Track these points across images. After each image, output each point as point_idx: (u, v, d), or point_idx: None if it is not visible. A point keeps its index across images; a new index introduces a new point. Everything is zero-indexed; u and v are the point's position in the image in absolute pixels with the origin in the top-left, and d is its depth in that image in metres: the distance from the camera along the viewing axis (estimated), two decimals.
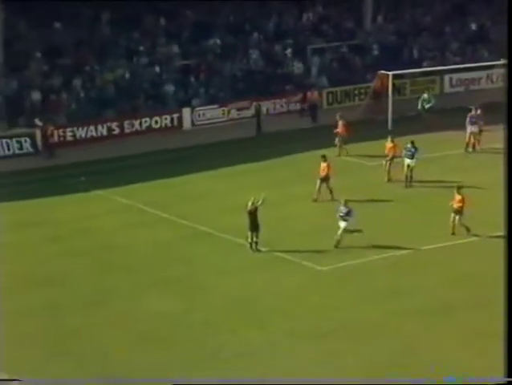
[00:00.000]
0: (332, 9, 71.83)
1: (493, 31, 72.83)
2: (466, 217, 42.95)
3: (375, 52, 68.91)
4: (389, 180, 51.48)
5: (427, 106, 61.14)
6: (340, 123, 55.39)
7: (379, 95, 63.85)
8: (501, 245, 42.06)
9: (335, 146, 54.22)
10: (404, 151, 50.86)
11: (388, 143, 52.25)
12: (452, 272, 40.94)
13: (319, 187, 47.17)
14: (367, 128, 60.16)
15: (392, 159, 51.62)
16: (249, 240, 41.63)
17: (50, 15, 62.25)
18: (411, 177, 50.32)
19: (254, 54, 67.00)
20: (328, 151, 55.64)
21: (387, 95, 61.56)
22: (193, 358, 33.54)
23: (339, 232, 40.05)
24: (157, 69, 64.37)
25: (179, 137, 60.40)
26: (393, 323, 36.27)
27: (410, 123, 59.62)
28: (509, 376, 12.11)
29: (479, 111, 57.17)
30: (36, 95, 59.31)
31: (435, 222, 44.32)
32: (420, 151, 50.73)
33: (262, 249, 41.64)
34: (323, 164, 47.62)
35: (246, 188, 47.39)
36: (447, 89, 68.16)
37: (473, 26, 73.84)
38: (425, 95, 61.95)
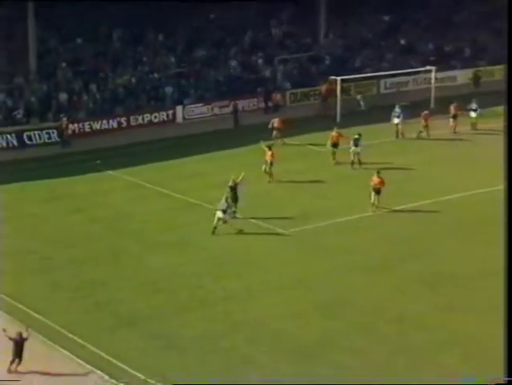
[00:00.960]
0: (294, 27, 71.55)
1: (419, 46, 73.14)
2: (385, 194, 43.00)
3: (327, 62, 68.78)
4: (337, 163, 51.30)
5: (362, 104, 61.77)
6: (277, 119, 55.17)
7: (327, 95, 63.54)
8: (422, 212, 43.65)
9: (273, 139, 53.66)
10: (351, 141, 50.61)
11: (334, 133, 51.97)
12: (387, 234, 41.07)
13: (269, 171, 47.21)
14: (320, 121, 60.11)
15: (335, 146, 51.43)
16: (232, 209, 41.48)
17: (73, 32, 62.28)
18: (359, 161, 50.04)
19: (233, 63, 67.03)
20: (290, 140, 56.23)
21: (336, 96, 61.53)
22: (186, 302, 34.00)
23: (215, 221, 39.39)
24: (156, 75, 64.25)
25: (173, 129, 60.29)
26: (340, 275, 36.52)
27: (354, 117, 59.39)
28: (509, 376, 10.87)
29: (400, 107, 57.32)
30: (62, 96, 59.37)
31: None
32: (362, 140, 50.78)
33: (240, 216, 41.62)
34: (269, 152, 47.40)
35: (227, 168, 47.27)
36: (382, 90, 68.03)
37: (403, 42, 73.85)
38: (358, 97, 62.56)
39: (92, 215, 44.04)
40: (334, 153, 51.49)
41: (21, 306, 33.00)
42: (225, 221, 39.41)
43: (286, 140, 54.89)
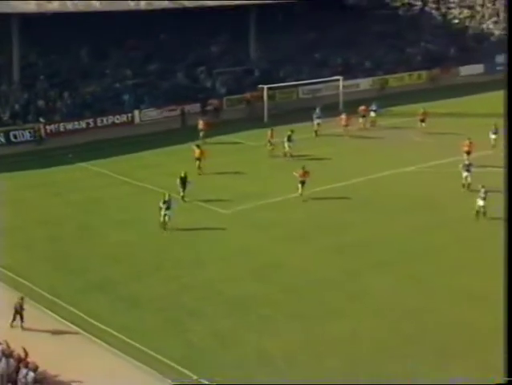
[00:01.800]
0: (230, 45, 71.68)
1: (330, 59, 73.68)
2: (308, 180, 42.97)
3: (257, 73, 68.91)
4: (272, 156, 51.29)
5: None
6: (201, 122, 54.75)
7: (255, 101, 63.36)
8: (336, 192, 44.10)
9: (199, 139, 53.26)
10: (285, 137, 50.71)
11: (269, 132, 52.00)
12: (309, 211, 41.47)
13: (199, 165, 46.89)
14: (250, 122, 60.31)
15: (270, 142, 51.55)
16: (181, 194, 41.65)
17: (49, 50, 61.77)
18: (290, 153, 50.24)
19: (180, 75, 67.02)
20: (227, 137, 56.51)
21: (263, 101, 61.70)
22: (144, 269, 34.56)
23: (163, 219, 38.54)
24: (118, 85, 64.05)
25: (132, 129, 60.13)
26: (270, 245, 36.97)
27: (279, 118, 59.32)
28: (509, 376, 10.26)
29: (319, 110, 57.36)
30: (41, 102, 59.09)
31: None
32: (294, 136, 51.09)
33: (187, 199, 41.70)
34: (197, 150, 47.27)
35: (176, 160, 47.93)
36: (301, 96, 67.90)
37: (317, 56, 74.28)
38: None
39: (67, 199, 44.02)
40: (271, 148, 51.55)
41: (11, 274, 33.11)
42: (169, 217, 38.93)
43: (208, 140, 54.11)
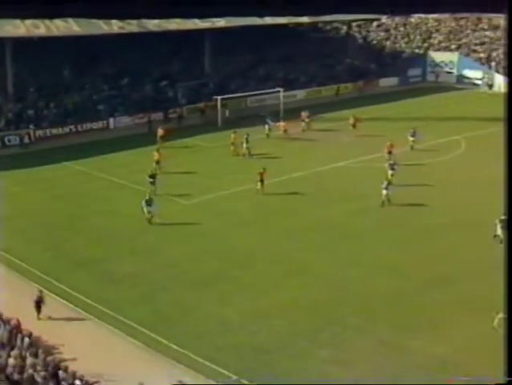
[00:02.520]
0: (189, 62, 71.51)
1: (272, 74, 73.76)
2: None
3: (211, 86, 68.87)
4: (236, 155, 51.31)
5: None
6: (160, 129, 54.39)
7: (211, 109, 63.23)
8: (285, 183, 44.37)
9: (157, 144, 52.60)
10: (244, 139, 50.81)
11: (233, 135, 51.89)
12: (260, 201, 41.88)
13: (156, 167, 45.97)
14: (206, 127, 60.28)
15: (233, 144, 51.46)
16: (151, 189, 41.32)
17: (37, 68, 61.06)
18: (249, 152, 50.45)
19: (148, 87, 66.84)
20: (188, 140, 56.53)
21: (217, 109, 61.71)
22: (119, 250, 35.11)
23: (148, 215, 37.90)
24: (95, 97, 63.74)
25: (108, 133, 59.78)
26: (226, 229, 37.57)
27: (231, 123, 59.13)
28: (509, 376, 8.95)
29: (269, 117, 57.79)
30: (30, 112, 58.67)
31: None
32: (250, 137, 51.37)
33: (158, 193, 41.49)
34: (156, 153, 47.05)
35: (146, 160, 47.54)
36: (249, 105, 67.64)
37: (262, 72, 74.47)
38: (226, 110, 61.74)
39: (54, 193, 43.92)
40: (234, 149, 51.41)
41: (8, 256, 33.28)
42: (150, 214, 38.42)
43: (171, 144, 53.73)
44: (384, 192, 40.10)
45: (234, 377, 16.71)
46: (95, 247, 35.48)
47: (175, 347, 25.31)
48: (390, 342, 25.88)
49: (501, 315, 21.57)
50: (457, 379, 21.51)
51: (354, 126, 57.45)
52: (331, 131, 58.33)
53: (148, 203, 38.18)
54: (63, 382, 21.37)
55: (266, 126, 57.29)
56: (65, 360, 23.35)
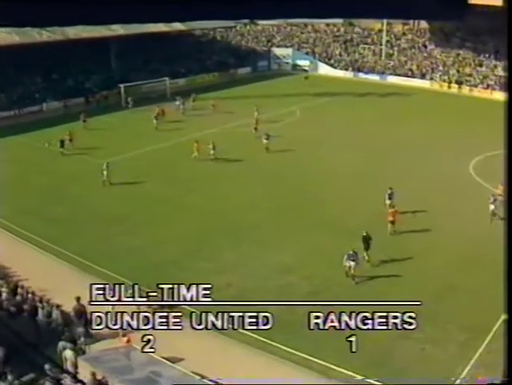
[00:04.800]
0: (100, 60, 69.23)
1: (161, 69, 71.33)
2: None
3: (117, 78, 67.04)
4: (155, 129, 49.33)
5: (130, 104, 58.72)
6: (83, 113, 51.56)
7: (117, 94, 61.64)
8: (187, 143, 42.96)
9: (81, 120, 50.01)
10: (153, 116, 49.34)
11: (157, 109, 50.77)
12: (156, 159, 41.15)
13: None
14: (115, 107, 58.82)
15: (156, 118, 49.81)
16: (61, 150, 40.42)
17: (11, 79, 59.65)
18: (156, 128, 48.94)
19: (70, 80, 65.43)
20: (102, 117, 54.08)
21: (120, 94, 60.85)
22: (52, 198, 33.80)
23: (105, 178, 35.72)
24: (32, 88, 62.35)
25: (42, 115, 58.27)
26: (135, 181, 36.75)
27: (134, 104, 58.25)
28: (509, 376, 4.54)
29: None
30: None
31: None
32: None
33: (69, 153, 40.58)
34: (68, 133, 43.93)
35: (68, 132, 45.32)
36: (144, 90, 64.76)
37: (153, 67, 72.01)
38: (129, 99, 58.83)
39: (4, 157, 41.33)
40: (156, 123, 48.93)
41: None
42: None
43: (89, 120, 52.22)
44: (265, 141, 41.75)
45: (130, 282, 16.26)
46: (36, 198, 34.37)
47: (96, 267, 25.29)
48: (252, 254, 26.41)
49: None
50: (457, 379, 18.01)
51: (213, 105, 56.38)
52: (203, 109, 56.59)
53: (107, 168, 35.31)
54: (19, 296, 20.98)
55: (179, 105, 55.61)
56: (21, 280, 23.06)
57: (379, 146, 45.12)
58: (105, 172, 35.14)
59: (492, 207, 28.47)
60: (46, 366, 14.96)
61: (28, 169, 40.16)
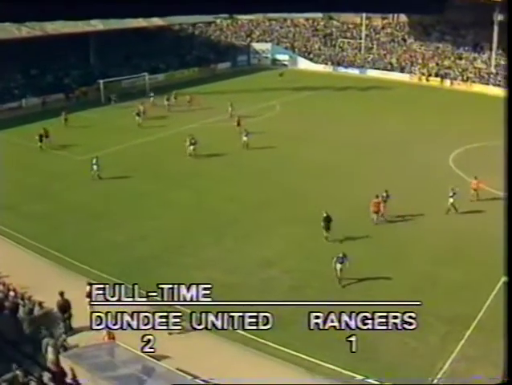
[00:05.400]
0: (80, 57, 68.93)
1: (141, 64, 71.06)
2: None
3: (96, 73, 66.63)
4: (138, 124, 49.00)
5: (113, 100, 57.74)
6: (141, 107, 50.96)
7: (96, 90, 61.14)
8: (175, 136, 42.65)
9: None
10: (134, 113, 48.87)
11: (141, 107, 50.13)
12: (138, 155, 40.95)
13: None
14: (94, 103, 58.23)
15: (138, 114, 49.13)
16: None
17: None
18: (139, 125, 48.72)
19: (50, 76, 64.78)
20: (82, 113, 53.72)
21: (100, 90, 59.91)
22: (32, 194, 33.55)
23: (94, 172, 35.77)
24: (12, 84, 61.50)
25: (21, 111, 57.48)
26: (122, 176, 36.52)
27: (111, 100, 57.83)
28: (509, 376, 6.03)
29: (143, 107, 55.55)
30: None
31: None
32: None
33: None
34: (44, 131, 43.50)
35: (50, 128, 45.18)
36: (123, 86, 65.09)
37: (134, 62, 71.81)
38: (112, 96, 58.21)
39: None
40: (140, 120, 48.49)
41: None
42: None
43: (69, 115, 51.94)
44: (245, 138, 41.28)
45: (118, 281, 16.50)
46: (16, 195, 33.87)
47: (77, 264, 24.94)
48: (233, 248, 26.63)
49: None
50: (458, 379, 17.52)
51: (189, 101, 55.99)
52: (178, 106, 56.23)
53: (96, 163, 35.45)
54: (0, 293, 20.71)
55: (151, 99, 55.56)
56: (2, 277, 22.80)
57: (359, 140, 45.41)
58: (95, 167, 35.07)
59: (451, 200, 29.21)
60: (27, 364, 14.88)
61: (7, 165, 39.00)
